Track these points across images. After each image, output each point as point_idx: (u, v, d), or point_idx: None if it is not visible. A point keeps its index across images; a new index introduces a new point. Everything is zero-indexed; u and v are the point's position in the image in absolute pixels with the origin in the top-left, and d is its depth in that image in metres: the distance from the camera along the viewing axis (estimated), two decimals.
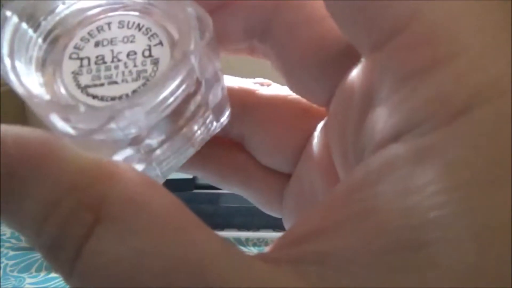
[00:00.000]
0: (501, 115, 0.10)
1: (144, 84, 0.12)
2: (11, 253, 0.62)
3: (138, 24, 0.13)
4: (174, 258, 0.10)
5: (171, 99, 0.12)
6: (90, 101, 0.12)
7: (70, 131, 0.11)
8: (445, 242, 0.09)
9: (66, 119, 0.11)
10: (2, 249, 0.63)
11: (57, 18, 0.13)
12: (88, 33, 0.13)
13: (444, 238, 0.09)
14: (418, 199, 0.09)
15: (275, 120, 0.18)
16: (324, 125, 0.16)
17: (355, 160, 0.12)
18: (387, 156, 0.10)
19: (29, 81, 0.11)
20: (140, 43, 0.13)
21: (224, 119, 0.16)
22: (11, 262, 0.60)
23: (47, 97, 0.11)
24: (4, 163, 0.11)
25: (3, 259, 0.61)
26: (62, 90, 0.12)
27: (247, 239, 0.75)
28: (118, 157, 0.12)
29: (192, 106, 0.13)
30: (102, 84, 0.12)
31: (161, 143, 0.13)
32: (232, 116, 0.16)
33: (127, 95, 0.12)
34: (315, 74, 0.16)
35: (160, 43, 0.13)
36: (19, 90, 0.11)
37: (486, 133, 0.10)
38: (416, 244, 0.09)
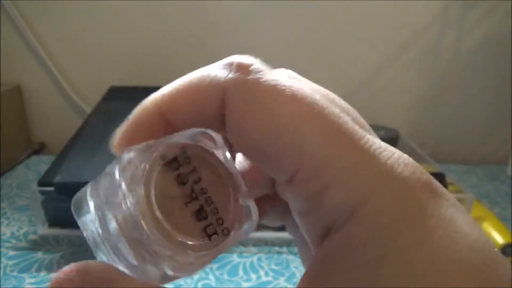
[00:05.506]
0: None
1: None
2: (11, 253, 0.62)
3: None
4: None
5: None
6: None
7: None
8: None
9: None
10: (2, 249, 0.63)
11: None
12: None
13: None
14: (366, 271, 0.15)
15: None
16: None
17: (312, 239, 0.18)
18: (329, 249, 0.16)
19: None
20: None
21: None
22: (11, 262, 0.60)
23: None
24: None
25: (3, 259, 0.61)
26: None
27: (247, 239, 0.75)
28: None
29: None
30: None
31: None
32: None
33: None
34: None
35: None
36: None
37: (369, 226, 0.15)
38: None
